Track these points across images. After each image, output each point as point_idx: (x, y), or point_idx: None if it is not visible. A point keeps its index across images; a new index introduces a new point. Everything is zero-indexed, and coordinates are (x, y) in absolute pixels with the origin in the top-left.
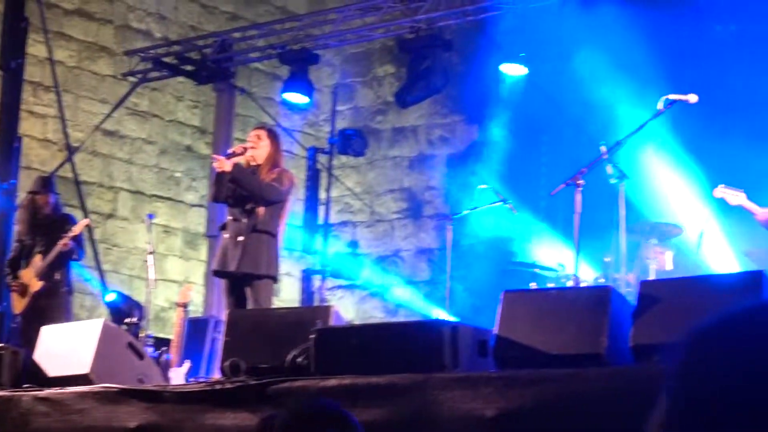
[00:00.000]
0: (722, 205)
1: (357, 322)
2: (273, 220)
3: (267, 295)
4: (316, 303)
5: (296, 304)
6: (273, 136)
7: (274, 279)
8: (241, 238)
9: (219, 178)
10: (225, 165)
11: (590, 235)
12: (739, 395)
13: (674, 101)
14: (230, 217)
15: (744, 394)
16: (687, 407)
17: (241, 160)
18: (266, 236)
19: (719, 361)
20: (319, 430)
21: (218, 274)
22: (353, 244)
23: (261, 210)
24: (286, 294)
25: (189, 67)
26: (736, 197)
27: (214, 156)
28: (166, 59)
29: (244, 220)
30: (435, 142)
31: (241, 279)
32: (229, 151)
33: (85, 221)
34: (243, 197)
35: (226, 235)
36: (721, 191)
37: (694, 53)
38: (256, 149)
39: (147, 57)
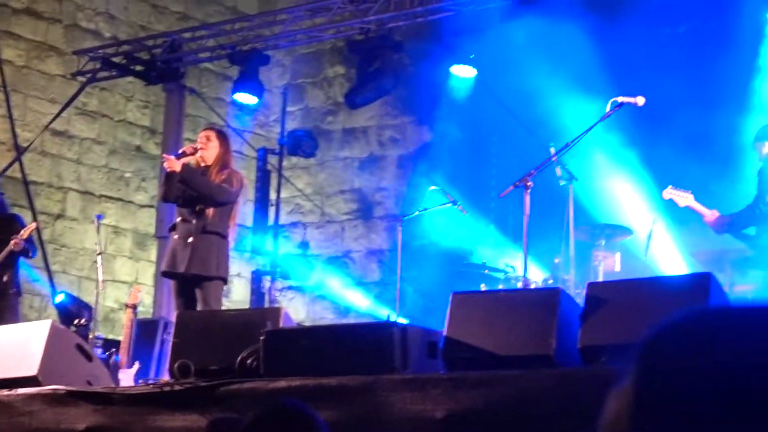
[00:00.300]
0: (670, 206)
1: (308, 323)
2: (223, 221)
3: (216, 297)
4: (266, 304)
5: (246, 306)
6: (222, 136)
7: (224, 280)
8: (190, 240)
9: (168, 178)
10: (174, 165)
11: (540, 237)
12: (695, 398)
13: (622, 104)
14: (179, 218)
15: (701, 397)
16: (643, 411)
17: (191, 160)
18: (216, 237)
19: (674, 364)
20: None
21: (167, 275)
22: (304, 245)
23: (210, 211)
24: (237, 295)
25: (138, 67)
26: (685, 198)
27: (164, 156)
28: (116, 59)
29: (194, 221)
30: (385, 143)
31: (190, 280)
32: (179, 151)
33: (33, 225)
34: (192, 198)
35: (175, 236)
36: (670, 192)
37: (643, 56)
38: (205, 150)
39: (96, 57)
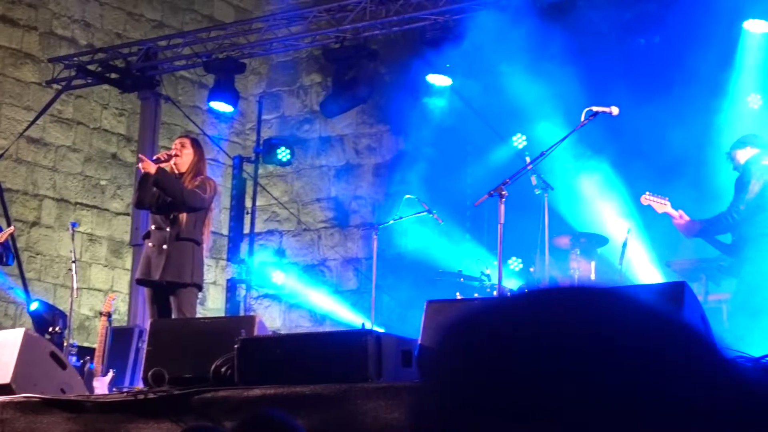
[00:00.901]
0: (645, 216)
1: (284, 331)
2: (197, 228)
3: (191, 304)
4: (242, 312)
5: (222, 314)
6: (197, 145)
7: (199, 287)
8: (165, 247)
9: (143, 182)
10: (149, 167)
11: (516, 246)
12: (467, 397)
13: (596, 113)
14: (153, 226)
15: (473, 395)
16: (421, 411)
17: (165, 167)
18: (190, 244)
19: (449, 361)
20: None
21: (142, 282)
22: (280, 252)
23: (184, 218)
24: (212, 303)
25: (114, 75)
26: (663, 205)
27: (140, 156)
28: (91, 67)
29: (168, 229)
30: (362, 151)
31: (165, 288)
32: (154, 157)
33: (10, 229)
34: (166, 205)
35: (149, 244)
36: (647, 199)
37: (618, 66)
38: (180, 157)
39: (71, 64)
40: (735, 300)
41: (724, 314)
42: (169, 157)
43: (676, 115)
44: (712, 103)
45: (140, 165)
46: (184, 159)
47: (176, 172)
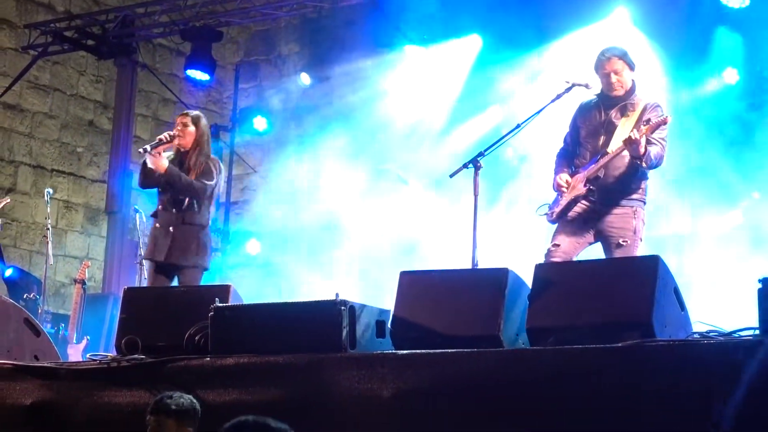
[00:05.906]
0: None
1: (258, 300)
2: (201, 212)
3: (195, 282)
4: (217, 281)
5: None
6: (198, 121)
7: (205, 268)
8: (171, 229)
9: (146, 169)
10: (159, 166)
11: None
12: None
13: (573, 85)
14: (160, 206)
15: None
16: None
17: (168, 147)
18: (196, 228)
19: None
20: None
21: (148, 260)
22: (256, 221)
23: (187, 201)
24: None
25: (90, 42)
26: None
27: (149, 153)
28: (68, 33)
29: (174, 211)
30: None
31: (170, 267)
32: (156, 139)
33: (5, 199)
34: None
35: (157, 225)
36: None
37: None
38: (182, 137)
39: (48, 30)
40: None
41: None
42: (172, 137)
43: None
44: (689, 75)
45: (150, 164)
46: (186, 138)
47: (181, 150)
